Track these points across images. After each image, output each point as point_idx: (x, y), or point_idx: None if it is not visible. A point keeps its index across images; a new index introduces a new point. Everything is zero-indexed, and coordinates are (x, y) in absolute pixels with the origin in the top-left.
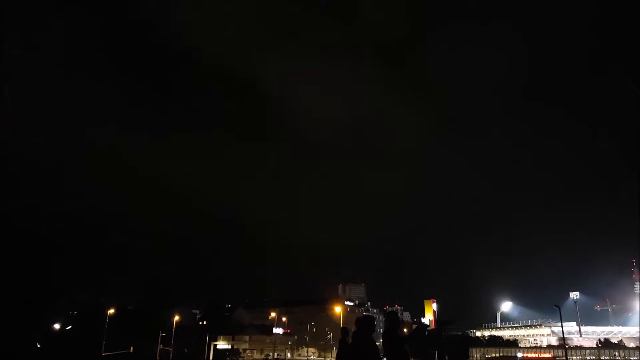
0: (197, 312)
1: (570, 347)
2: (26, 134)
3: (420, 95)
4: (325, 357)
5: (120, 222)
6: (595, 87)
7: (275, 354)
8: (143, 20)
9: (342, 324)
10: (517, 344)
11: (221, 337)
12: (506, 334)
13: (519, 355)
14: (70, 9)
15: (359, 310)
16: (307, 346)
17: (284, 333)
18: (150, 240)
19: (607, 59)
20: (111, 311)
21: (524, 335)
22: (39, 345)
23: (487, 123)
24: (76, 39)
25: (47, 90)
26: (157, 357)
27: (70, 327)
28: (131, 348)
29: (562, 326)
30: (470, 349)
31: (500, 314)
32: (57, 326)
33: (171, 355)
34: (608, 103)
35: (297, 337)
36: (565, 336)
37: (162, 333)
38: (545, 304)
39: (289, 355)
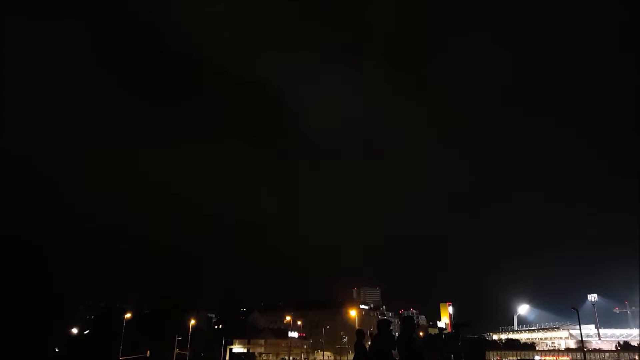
0: (213, 315)
1: (589, 350)
2: (27, 138)
3: (422, 96)
4: None
5: (132, 228)
6: (602, 86)
7: (291, 357)
8: (142, 21)
9: (358, 328)
10: (535, 347)
11: (237, 340)
12: (523, 337)
13: (537, 358)
14: (72, 10)
15: (374, 314)
16: (323, 349)
17: (299, 336)
18: (165, 247)
19: (607, 57)
20: (128, 315)
21: (541, 339)
22: (57, 350)
23: (493, 122)
24: (75, 40)
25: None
26: None
27: (87, 331)
28: (148, 352)
29: (580, 329)
30: (487, 353)
31: (517, 316)
32: (75, 331)
33: (187, 358)
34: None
35: (313, 341)
36: (583, 339)
37: (178, 337)
38: (563, 306)
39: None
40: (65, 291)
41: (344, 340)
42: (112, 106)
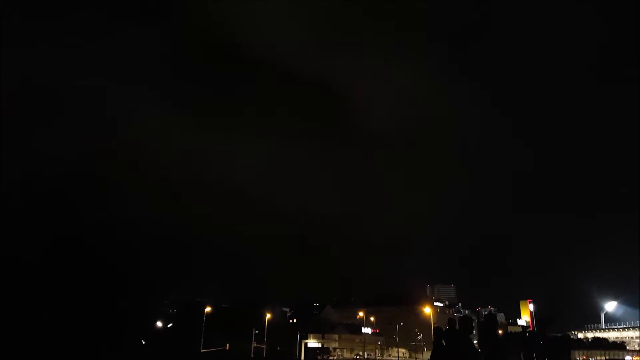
0: (287, 310)
1: None
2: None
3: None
4: (416, 358)
5: (207, 224)
6: None
7: (365, 353)
8: (216, 26)
9: (433, 325)
10: (625, 347)
11: (311, 335)
12: (612, 335)
13: (628, 358)
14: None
15: (449, 311)
16: (397, 346)
17: (372, 333)
18: (240, 243)
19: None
20: (208, 309)
21: (632, 337)
22: (144, 342)
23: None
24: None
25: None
26: (251, 354)
27: (171, 325)
28: (227, 345)
29: None
30: (572, 352)
31: (605, 314)
32: (159, 324)
33: (264, 352)
34: None
35: (386, 337)
36: None
37: (255, 331)
38: None
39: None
40: (153, 288)
41: (419, 337)
42: (179, 105)
